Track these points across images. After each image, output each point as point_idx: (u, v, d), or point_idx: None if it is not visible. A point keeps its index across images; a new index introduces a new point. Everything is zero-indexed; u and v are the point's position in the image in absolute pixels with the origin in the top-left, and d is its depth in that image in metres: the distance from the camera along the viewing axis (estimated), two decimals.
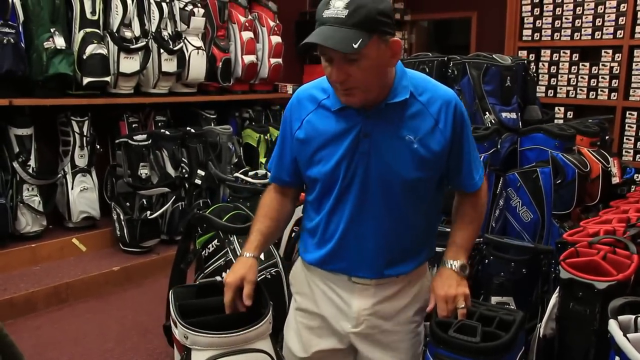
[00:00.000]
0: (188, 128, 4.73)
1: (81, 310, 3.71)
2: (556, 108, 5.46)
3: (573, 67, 5.49)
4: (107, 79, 4.18)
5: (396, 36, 1.46)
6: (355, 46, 1.33)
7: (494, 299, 2.24)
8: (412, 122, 1.49)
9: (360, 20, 1.35)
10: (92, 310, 3.72)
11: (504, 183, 2.79)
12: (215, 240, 2.51)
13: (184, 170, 4.58)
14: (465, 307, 1.59)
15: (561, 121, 4.44)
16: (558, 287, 2.01)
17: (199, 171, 4.58)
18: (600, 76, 5.32)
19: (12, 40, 3.66)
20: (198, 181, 4.57)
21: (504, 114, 2.96)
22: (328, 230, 1.59)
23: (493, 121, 2.91)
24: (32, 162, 4.04)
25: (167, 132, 4.58)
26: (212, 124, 5.09)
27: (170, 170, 4.51)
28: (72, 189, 4.29)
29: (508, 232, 2.80)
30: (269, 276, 2.28)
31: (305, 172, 1.59)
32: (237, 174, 3.21)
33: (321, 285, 1.65)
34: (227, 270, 2.43)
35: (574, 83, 5.49)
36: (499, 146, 2.76)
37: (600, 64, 5.32)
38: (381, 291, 1.60)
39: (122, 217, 4.31)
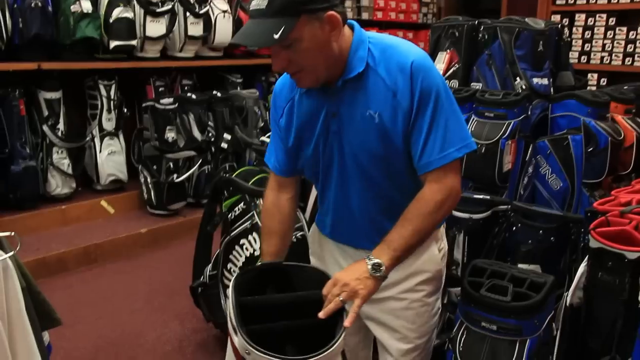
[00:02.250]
0: (214, 92, 4.73)
1: (110, 270, 3.79)
2: (589, 75, 5.32)
3: (609, 32, 5.32)
4: (134, 42, 4.18)
5: (345, 5, 1.38)
6: (277, 36, 1.28)
7: (521, 267, 2.22)
8: (372, 96, 1.42)
9: (280, 7, 1.30)
10: (120, 270, 3.80)
11: (533, 150, 2.74)
12: (242, 204, 2.53)
13: (210, 134, 4.60)
14: (343, 302, 1.34)
15: (594, 88, 4.32)
16: (587, 257, 1.98)
17: (225, 135, 4.58)
18: (638, 41, 5.15)
19: (39, 4, 3.68)
20: (224, 145, 4.59)
21: (535, 80, 2.89)
22: (324, 208, 1.63)
23: (524, 87, 2.85)
24: (61, 126, 4.10)
25: (193, 96, 4.58)
26: (239, 88, 5.08)
27: (196, 134, 4.53)
28: (100, 152, 4.34)
29: (536, 200, 2.76)
30: (295, 239, 2.29)
31: (294, 157, 1.59)
32: (263, 138, 3.21)
33: (332, 249, 1.68)
34: (254, 233, 2.47)
35: (609, 49, 5.33)
36: (529, 112, 2.71)
37: (639, 28, 5.14)
38: None
39: (149, 180, 4.36)
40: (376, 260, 1.38)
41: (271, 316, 1.42)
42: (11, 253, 1.18)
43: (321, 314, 1.33)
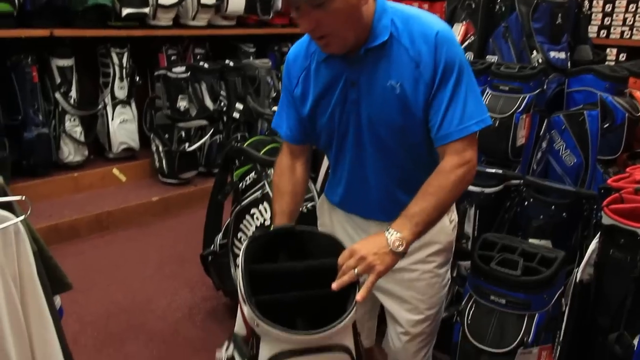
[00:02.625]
0: (227, 61, 4.70)
1: (122, 238, 3.83)
2: (608, 49, 5.20)
3: (631, 6, 5.18)
4: (146, 10, 4.15)
5: None
6: None
7: (532, 242, 2.21)
8: (395, 66, 1.40)
9: None
10: (132, 238, 3.83)
11: (548, 125, 2.70)
12: (253, 173, 2.53)
13: (222, 104, 4.58)
14: (358, 276, 1.30)
15: (613, 63, 4.24)
16: (599, 233, 1.97)
17: (238, 105, 4.57)
18: None
19: None
20: (236, 114, 4.57)
21: (552, 53, 2.84)
22: (336, 178, 1.62)
23: (540, 60, 2.80)
24: (73, 93, 4.10)
25: (205, 65, 4.55)
26: (251, 58, 5.04)
27: (208, 103, 4.52)
28: (112, 120, 4.35)
29: (549, 176, 2.73)
30: (305, 210, 2.29)
31: (309, 126, 1.58)
32: (275, 108, 3.18)
33: (341, 219, 1.68)
34: (264, 202, 2.47)
35: (630, 23, 5.20)
36: (545, 87, 2.67)
37: None
38: None
39: (160, 148, 4.37)
40: (398, 235, 1.32)
41: (282, 285, 1.38)
42: (22, 217, 1.19)
43: (334, 285, 1.29)
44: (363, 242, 1.35)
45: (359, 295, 1.27)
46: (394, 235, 1.32)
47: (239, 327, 1.47)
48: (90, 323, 2.82)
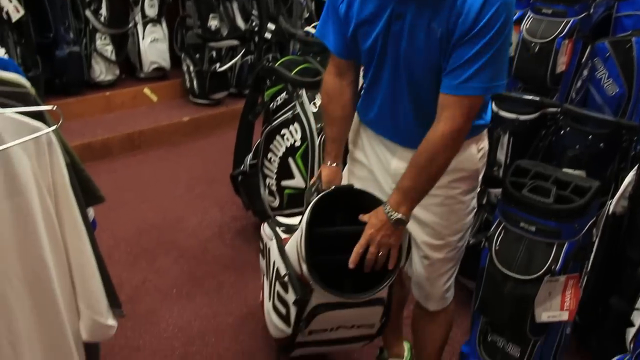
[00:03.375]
0: None
1: (153, 157, 3.88)
2: None
3: None
4: None
5: None
6: None
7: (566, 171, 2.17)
8: (441, 11, 1.35)
9: None
10: (163, 157, 3.88)
11: (591, 52, 2.59)
12: (284, 93, 2.50)
13: (254, 23, 4.50)
14: (384, 257, 1.49)
15: None
16: (636, 165, 1.92)
17: (269, 25, 4.47)
18: None
19: None
20: (268, 35, 4.47)
21: None
22: (369, 100, 1.60)
23: None
24: (103, 11, 4.06)
25: None
26: None
27: (240, 22, 4.44)
28: (143, 39, 4.32)
29: (588, 105, 2.65)
30: None
31: (352, 45, 1.54)
32: (307, 28, 3.11)
33: (371, 139, 1.67)
34: (295, 123, 2.46)
35: None
36: (591, 10, 2.54)
37: None
38: None
39: (191, 68, 4.34)
40: (398, 216, 1.45)
41: (335, 244, 1.53)
42: (55, 126, 1.19)
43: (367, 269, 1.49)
44: (370, 226, 1.48)
45: (390, 264, 1.49)
46: (394, 216, 1.45)
47: (291, 250, 1.63)
48: (123, 239, 2.90)
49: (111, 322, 1.44)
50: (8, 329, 1.28)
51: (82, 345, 1.44)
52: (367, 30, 1.47)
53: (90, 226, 1.40)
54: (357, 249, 1.47)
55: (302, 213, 1.58)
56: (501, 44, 1.36)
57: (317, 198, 1.53)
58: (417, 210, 1.60)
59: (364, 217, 1.51)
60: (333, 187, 1.60)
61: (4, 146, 1.11)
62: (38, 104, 1.21)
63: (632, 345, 1.57)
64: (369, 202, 1.56)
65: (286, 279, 1.62)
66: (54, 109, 1.20)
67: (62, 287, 1.33)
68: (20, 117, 1.15)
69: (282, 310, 1.69)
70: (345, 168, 1.80)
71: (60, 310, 1.33)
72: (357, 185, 1.65)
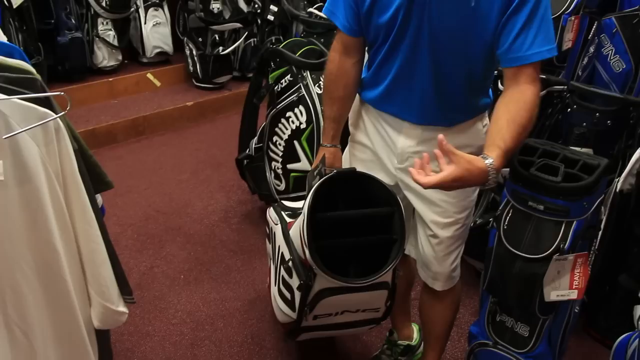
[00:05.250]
0: None
1: (157, 142, 3.88)
2: None
3: None
4: None
5: None
6: None
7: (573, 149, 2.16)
8: None
9: None
10: (167, 143, 3.88)
11: (597, 28, 2.56)
12: (289, 76, 2.49)
13: (256, 6, 4.46)
14: (441, 182, 1.26)
15: None
16: None
17: (272, 7, 4.43)
18: None
19: None
20: (270, 17, 4.44)
21: None
22: (378, 76, 1.57)
23: None
24: None
25: None
26: None
27: (242, 5, 4.40)
28: (145, 23, 4.30)
29: (595, 82, 2.63)
30: None
31: (364, 21, 1.50)
32: (310, 9, 3.09)
33: (373, 119, 1.66)
34: (300, 106, 2.45)
35: None
36: None
37: None
38: (427, 133, 1.56)
39: (194, 52, 4.32)
40: (494, 175, 1.30)
41: (338, 228, 1.55)
42: (63, 113, 1.19)
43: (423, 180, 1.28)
44: (467, 169, 1.27)
45: (425, 179, 1.26)
46: (492, 175, 1.30)
47: (295, 234, 1.62)
48: (130, 225, 2.91)
49: (122, 308, 1.45)
50: (20, 317, 1.29)
51: (93, 332, 1.45)
52: (387, 1, 1.43)
53: (100, 213, 1.40)
54: (443, 178, 1.25)
55: (304, 197, 1.58)
56: (546, 4, 1.36)
57: (319, 182, 1.53)
58: (426, 190, 1.60)
59: (457, 152, 1.27)
60: (335, 170, 1.59)
61: (13, 133, 1.11)
62: (45, 91, 1.21)
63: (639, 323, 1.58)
64: (371, 185, 1.56)
65: (290, 263, 1.63)
66: (62, 94, 1.20)
67: (73, 275, 1.33)
68: (27, 104, 1.15)
69: (287, 295, 1.70)
70: (346, 150, 1.79)
71: (72, 298, 1.33)
72: (360, 167, 1.64)
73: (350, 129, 1.76)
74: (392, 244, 1.55)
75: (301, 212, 1.62)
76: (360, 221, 1.57)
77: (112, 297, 1.41)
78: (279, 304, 1.78)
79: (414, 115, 1.55)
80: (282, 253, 1.73)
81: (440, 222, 1.65)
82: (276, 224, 1.85)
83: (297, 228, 1.58)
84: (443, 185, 1.27)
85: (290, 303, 1.69)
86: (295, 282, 1.62)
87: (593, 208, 1.63)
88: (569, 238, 1.58)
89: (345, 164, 1.75)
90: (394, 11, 1.42)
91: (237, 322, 2.31)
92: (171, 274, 2.57)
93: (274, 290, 1.84)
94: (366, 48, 1.62)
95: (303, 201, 1.77)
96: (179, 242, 2.80)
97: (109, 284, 1.40)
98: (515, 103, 1.37)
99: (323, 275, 1.49)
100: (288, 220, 1.81)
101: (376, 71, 1.57)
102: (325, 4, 1.61)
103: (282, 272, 1.71)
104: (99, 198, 1.47)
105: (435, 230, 1.66)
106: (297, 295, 1.62)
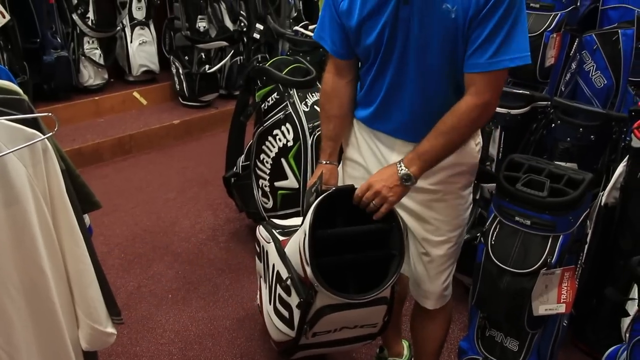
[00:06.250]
0: None
1: (144, 161, 3.87)
2: None
3: None
4: None
5: None
6: None
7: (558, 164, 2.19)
8: None
9: None
10: (154, 161, 3.87)
11: (578, 45, 2.62)
12: (275, 94, 2.50)
13: (242, 24, 4.49)
14: (376, 208, 1.50)
15: None
16: (627, 157, 1.93)
17: (258, 25, 4.46)
18: None
19: None
20: (256, 35, 4.47)
21: None
22: (370, 96, 1.60)
23: None
24: (90, 14, 4.04)
25: None
26: None
27: (228, 23, 4.43)
28: (131, 42, 4.31)
29: (577, 98, 2.67)
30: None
31: (354, 42, 1.53)
32: (296, 28, 3.11)
33: (366, 137, 1.67)
34: (287, 124, 2.46)
35: None
36: (578, 3, 2.55)
37: None
38: None
39: (180, 71, 4.33)
40: (406, 171, 1.46)
41: (338, 245, 1.57)
42: (50, 134, 1.19)
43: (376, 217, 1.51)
44: (378, 175, 1.51)
45: (375, 215, 1.51)
46: (403, 171, 1.47)
47: (292, 252, 1.62)
48: (117, 245, 2.89)
49: (110, 329, 1.43)
50: (6, 339, 1.27)
51: (81, 354, 1.43)
52: (373, 21, 1.45)
53: (87, 233, 1.39)
54: (358, 192, 1.51)
55: (299, 214, 1.58)
56: (517, 11, 1.36)
57: (319, 200, 1.53)
58: (417, 207, 1.61)
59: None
60: (333, 188, 1.60)
61: (0, 155, 1.10)
62: (32, 111, 1.20)
63: (627, 335, 1.58)
64: None
65: (289, 282, 1.62)
66: (49, 115, 1.20)
67: (60, 296, 1.32)
68: (15, 125, 1.14)
69: (285, 313, 1.69)
70: (339, 168, 1.80)
71: (59, 319, 1.32)
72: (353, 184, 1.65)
73: (343, 146, 1.77)
74: (389, 259, 1.55)
75: (294, 230, 1.61)
76: (358, 237, 1.57)
77: (100, 318, 1.40)
78: (274, 322, 1.76)
79: (406, 132, 1.56)
80: (277, 271, 1.72)
81: (433, 240, 1.65)
82: (268, 242, 1.84)
83: (296, 246, 1.57)
84: (367, 194, 1.48)
85: (288, 321, 1.68)
86: (294, 300, 1.61)
87: (579, 222, 1.65)
88: (555, 252, 1.60)
89: (339, 181, 1.76)
90: (379, 30, 1.44)
91: (226, 341, 2.29)
92: (159, 293, 2.55)
93: (268, 308, 1.83)
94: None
95: (293, 218, 1.76)
96: (166, 261, 2.78)
97: (97, 305, 1.39)
98: (450, 110, 1.44)
99: (325, 293, 1.49)
100: (281, 238, 1.80)
101: (368, 90, 1.59)
102: (315, 29, 1.64)
103: (279, 290, 1.70)
104: (86, 218, 1.46)
105: (428, 249, 1.67)
106: (297, 313, 1.61)
